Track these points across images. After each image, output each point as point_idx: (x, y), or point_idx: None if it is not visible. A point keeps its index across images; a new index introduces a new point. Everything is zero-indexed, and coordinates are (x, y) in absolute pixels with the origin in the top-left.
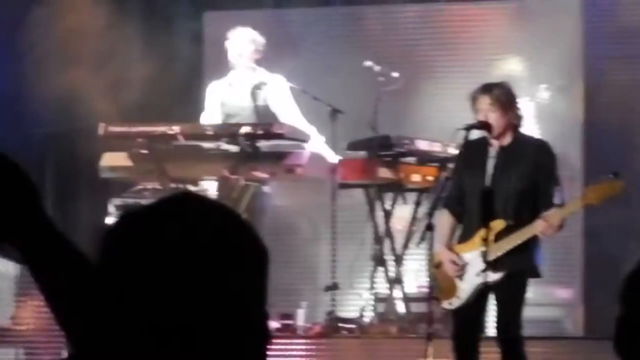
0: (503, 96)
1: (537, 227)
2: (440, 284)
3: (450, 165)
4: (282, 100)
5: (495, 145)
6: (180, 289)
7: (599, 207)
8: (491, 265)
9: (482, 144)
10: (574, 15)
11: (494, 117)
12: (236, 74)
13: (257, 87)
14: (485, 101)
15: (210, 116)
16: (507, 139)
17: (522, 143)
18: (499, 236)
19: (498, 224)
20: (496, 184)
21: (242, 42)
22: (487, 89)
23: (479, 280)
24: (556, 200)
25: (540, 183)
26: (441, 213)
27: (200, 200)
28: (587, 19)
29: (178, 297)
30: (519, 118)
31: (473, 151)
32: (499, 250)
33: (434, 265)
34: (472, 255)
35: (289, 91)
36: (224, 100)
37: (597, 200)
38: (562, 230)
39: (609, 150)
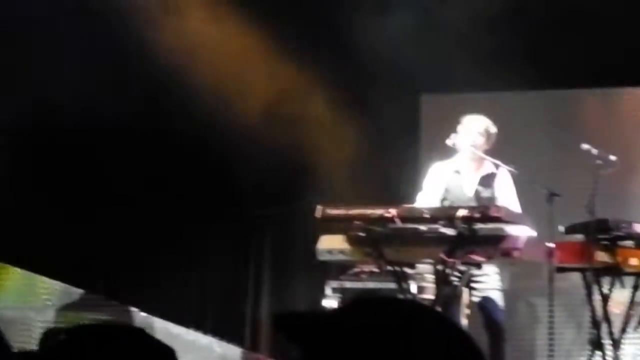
0: None
1: None
2: None
3: None
4: (507, 189)
5: None
6: None
7: None
8: None
9: None
10: None
11: None
12: (463, 162)
13: (486, 179)
14: None
15: (429, 197)
16: None
17: None
18: None
19: None
20: None
21: (477, 130)
22: None
23: None
24: None
25: None
26: None
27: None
28: None
29: None
30: None
31: None
32: None
33: None
34: None
35: (511, 180)
36: (450, 187)
37: None
38: None
39: None
